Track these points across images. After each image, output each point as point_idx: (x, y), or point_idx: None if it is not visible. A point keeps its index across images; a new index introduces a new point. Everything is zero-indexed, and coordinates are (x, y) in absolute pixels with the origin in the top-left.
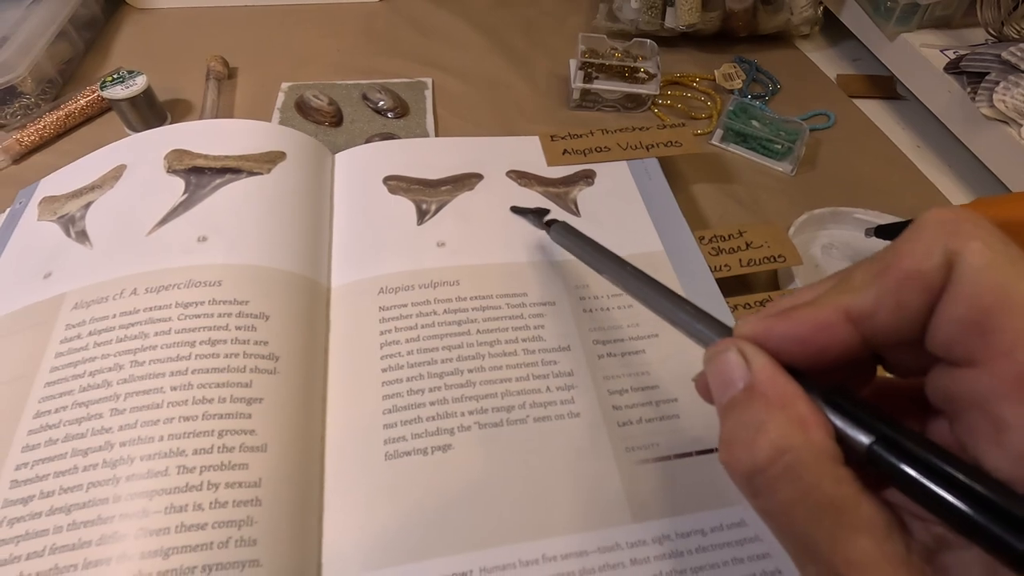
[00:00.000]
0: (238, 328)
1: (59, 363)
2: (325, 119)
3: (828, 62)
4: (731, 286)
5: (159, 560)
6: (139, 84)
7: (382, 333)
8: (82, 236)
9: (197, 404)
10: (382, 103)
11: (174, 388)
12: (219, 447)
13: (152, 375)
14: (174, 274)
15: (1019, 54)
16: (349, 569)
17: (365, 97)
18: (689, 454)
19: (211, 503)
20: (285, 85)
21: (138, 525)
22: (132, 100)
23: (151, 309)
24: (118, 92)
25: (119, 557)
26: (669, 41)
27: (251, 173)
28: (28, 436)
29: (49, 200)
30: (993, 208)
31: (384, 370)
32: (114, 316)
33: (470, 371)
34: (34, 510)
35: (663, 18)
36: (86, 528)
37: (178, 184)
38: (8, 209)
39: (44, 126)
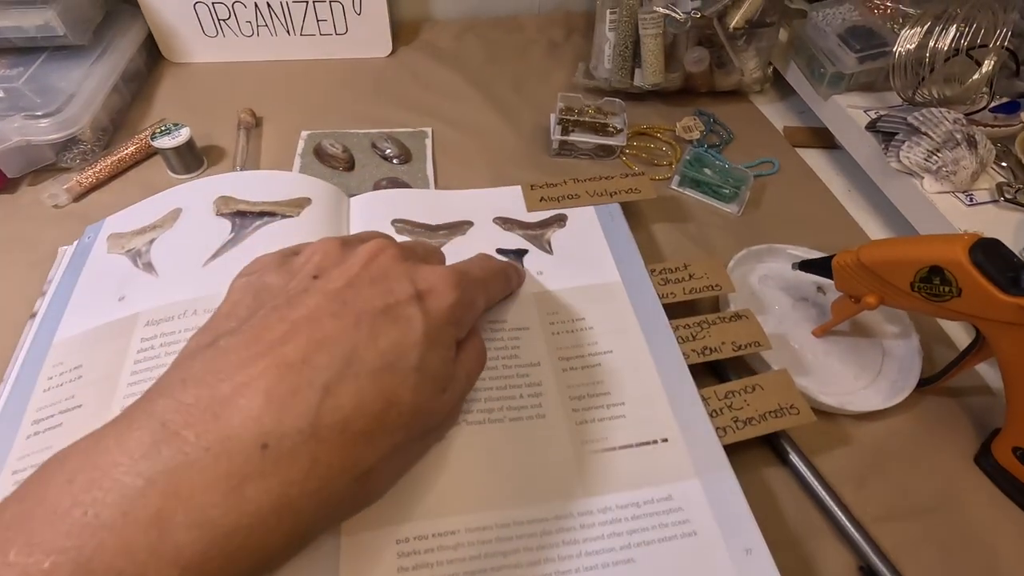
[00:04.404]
0: None
1: (138, 368)
2: (340, 164)
3: (777, 115)
4: (677, 310)
5: None
6: (183, 135)
7: None
8: (148, 267)
9: None
10: (389, 151)
11: None
12: None
13: None
14: None
15: (920, 119)
16: (363, 524)
17: (374, 145)
18: (631, 445)
19: None
20: (304, 133)
21: None
22: (177, 149)
23: None
24: (166, 142)
25: None
26: (638, 96)
27: (284, 216)
28: None
29: (116, 236)
30: (872, 250)
31: None
32: (180, 332)
33: None
34: None
35: (632, 77)
36: None
37: (226, 225)
38: (76, 241)
39: (100, 169)
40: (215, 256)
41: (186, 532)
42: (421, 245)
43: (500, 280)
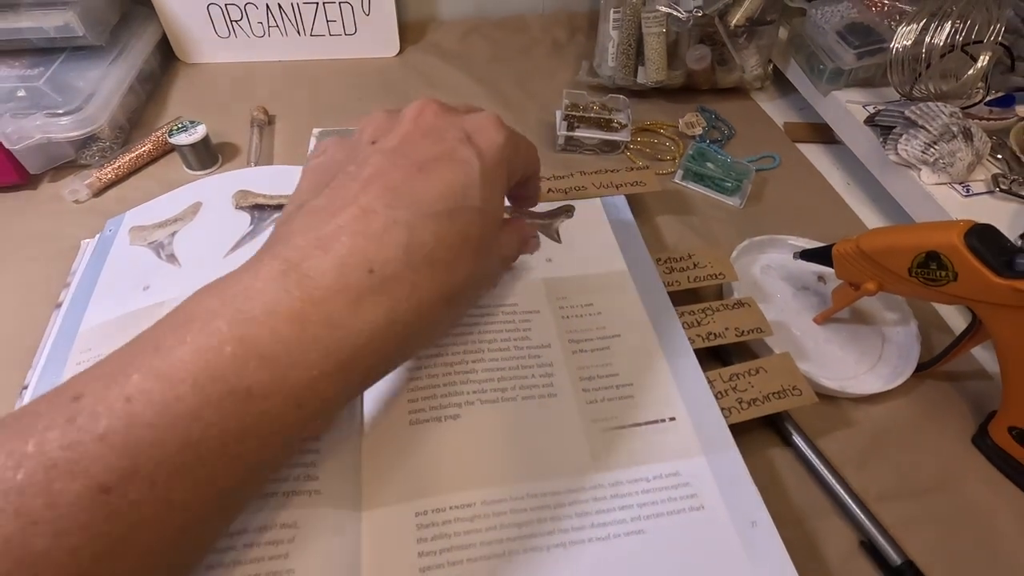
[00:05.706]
0: None
1: None
2: None
3: (777, 111)
4: (682, 297)
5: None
6: (199, 132)
7: None
8: (172, 258)
9: None
10: None
11: None
12: None
13: None
14: None
15: (918, 112)
16: (384, 499)
17: None
18: (640, 424)
19: None
20: (316, 130)
21: None
22: (193, 146)
23: None
24: (183, 139)
25: None
26: (642, 93)
27: None
28: None
29: (138, 229)
30: (871, 238)
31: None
32: None
33: (473, 361)
34: None
35: (636, 75)
36: None
37: (245, 218)
38: (98, 235)
39: (118, 166)
40: (235, 248)
41: (322, 327)
42: (462, 104)
43: (531, 150)
